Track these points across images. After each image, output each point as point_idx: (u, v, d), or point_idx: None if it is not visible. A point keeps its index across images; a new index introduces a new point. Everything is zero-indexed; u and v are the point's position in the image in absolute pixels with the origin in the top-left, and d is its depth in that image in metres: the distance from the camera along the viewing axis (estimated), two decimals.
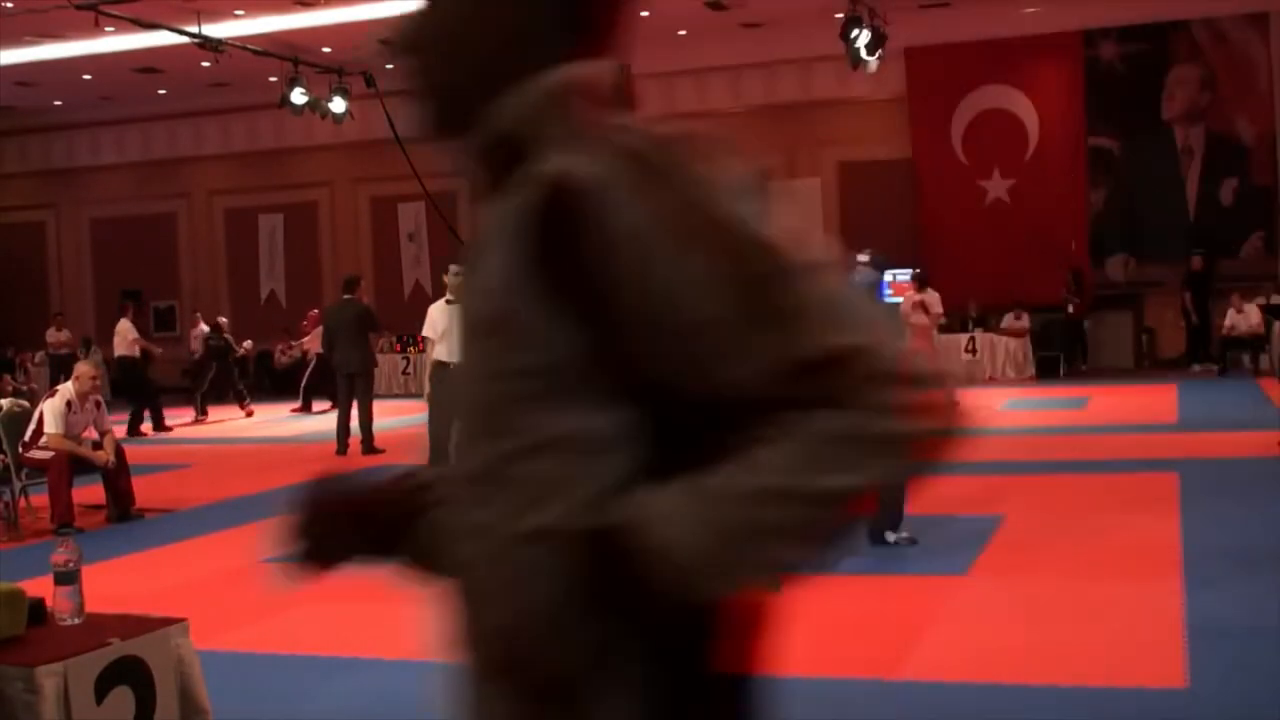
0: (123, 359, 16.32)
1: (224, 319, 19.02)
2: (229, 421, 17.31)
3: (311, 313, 19.00)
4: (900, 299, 17.12)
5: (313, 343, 18.40)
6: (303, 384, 18.39)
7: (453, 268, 10.22)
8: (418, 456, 11.23)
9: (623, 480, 1.23)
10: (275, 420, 17.34)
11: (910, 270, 19.15)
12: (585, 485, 1.24)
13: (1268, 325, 16.82)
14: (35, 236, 25.77)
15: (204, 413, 17.70)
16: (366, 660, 5.36)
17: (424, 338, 10.43)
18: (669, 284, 1.18)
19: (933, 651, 5.13)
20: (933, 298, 15.06)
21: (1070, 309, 18.60)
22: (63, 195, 25.50)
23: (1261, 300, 17.57)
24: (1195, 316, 18.22)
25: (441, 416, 9.74)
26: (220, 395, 18.12)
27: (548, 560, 1.25)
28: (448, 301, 10.19)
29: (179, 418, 18.32)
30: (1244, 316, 17.29)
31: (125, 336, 16.24)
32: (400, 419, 16.52)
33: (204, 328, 21.12)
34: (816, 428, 1.15)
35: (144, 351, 16.55)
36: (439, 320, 10.12)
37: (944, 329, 19.21)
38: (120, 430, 12.48)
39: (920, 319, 14.92)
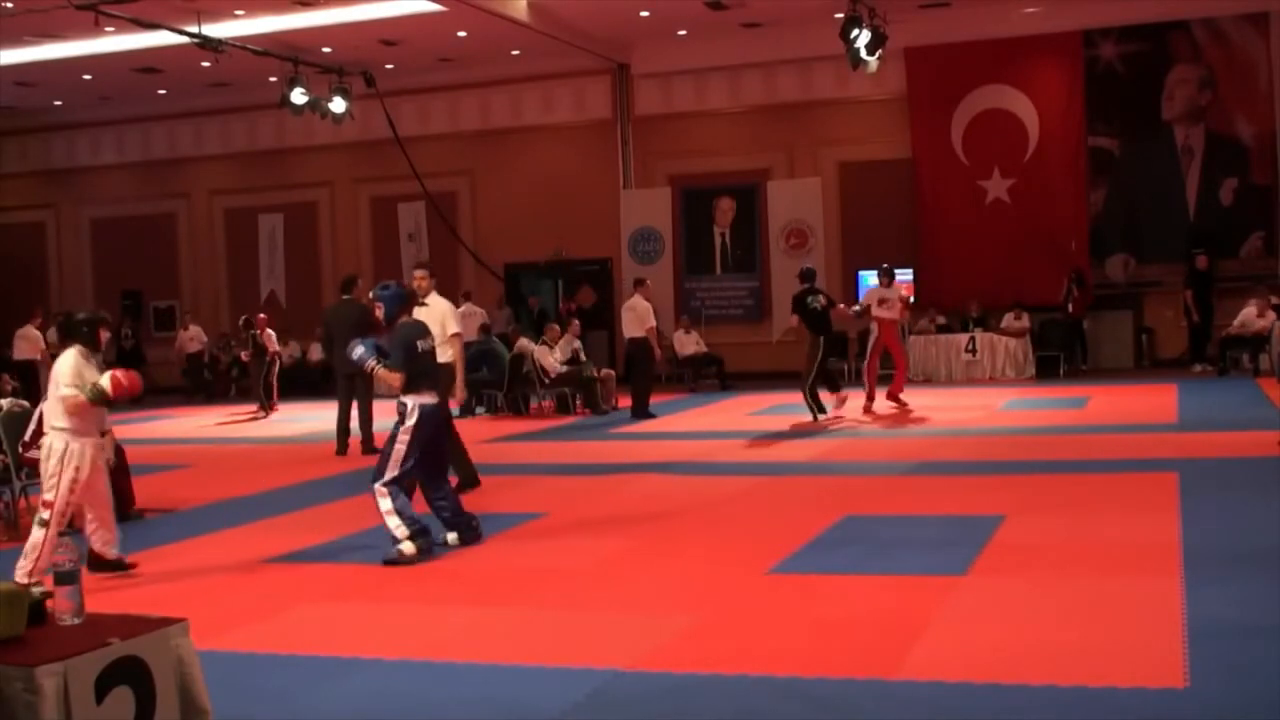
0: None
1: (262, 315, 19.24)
2: (228, 423, 17.30)
3: (260, 316, 19.07)
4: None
5: (269, 343, 18.41)
6: (272, 382, 18.37)
7: (418, 271, 10.15)
8: None
9: None
10: (275, 420, 17.33)
11: (910, 271, 19.23)
12: None
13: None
14: (35, 236, 25.78)
15: (270, 407, 17.87)
16: (366, 660, 5.36)
17: None
18: None
19: (933, 651, 5.13)
20: (892, 293, 15.18)
21: (1071, 307, 18.60)
22: (63, 195, 25.51)
23: (1257, 300, 17.50)
24: (1196, 315, 18.21)
25: None
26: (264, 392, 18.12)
27: None
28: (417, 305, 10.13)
29: (177, 418, 18.32)
30: (1262, 320, 17.06)
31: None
32: None
33: (195, 329, 21.90)
34: None
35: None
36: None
37: (943, 329, 19.28)
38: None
39: (883, 313, 15.10)
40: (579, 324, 17.72)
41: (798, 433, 13.21)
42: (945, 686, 4.67)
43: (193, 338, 22.15)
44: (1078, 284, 18.57)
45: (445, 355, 9.61)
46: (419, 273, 10.17)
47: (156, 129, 24.42)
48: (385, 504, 7.43)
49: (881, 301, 15.00)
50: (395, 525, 7.38)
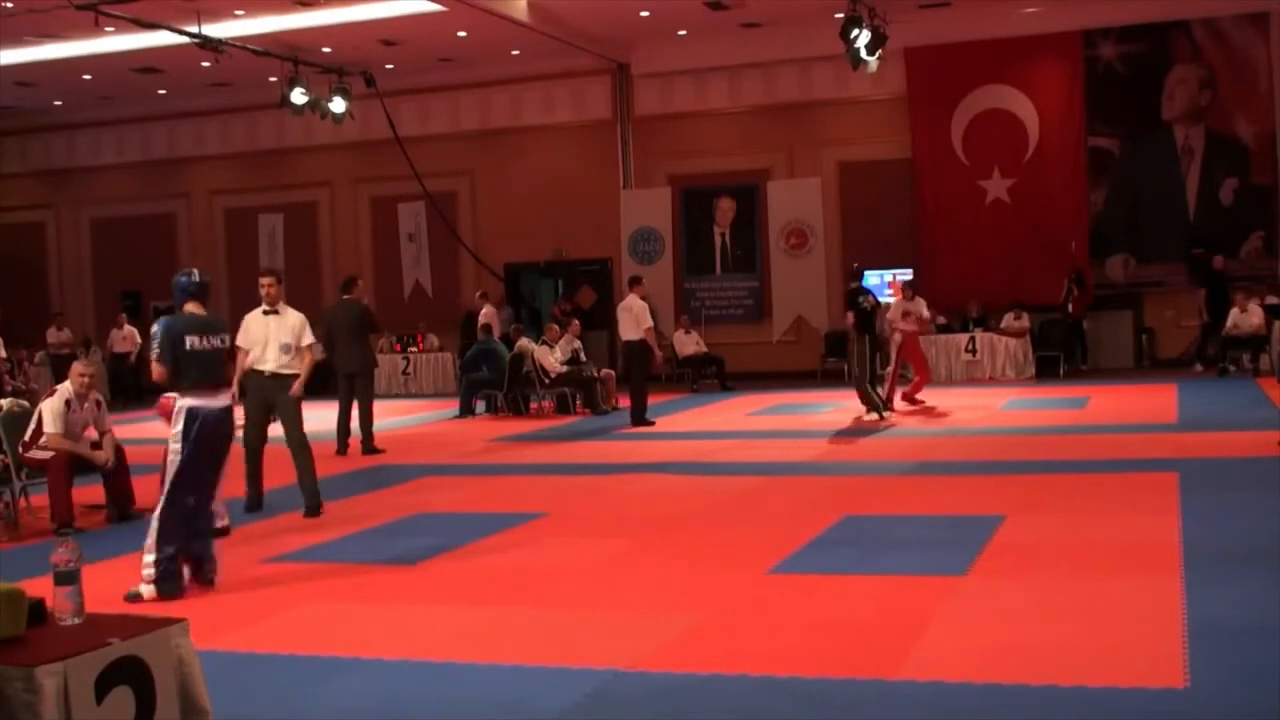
0: None
1: None
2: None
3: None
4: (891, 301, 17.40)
5: None
6: None
7: (265, 279, 9.66)
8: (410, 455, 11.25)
9: None
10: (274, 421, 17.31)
11: (910, 270, 19.25)
12: None
13: (1268, 325, 16.82)
14: (35, 236, 25.78)
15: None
16: (366, 660, 5.36)
17: (238, 347, 9.21)
18: None
19: (932, 651, 5.13)
20: (914, 307, 15.49)
21: (1070, 307, 18.60)
22: (63, 195, 25.52)
23: (1256, 300, 17.54)
24: (1207, 315, 18.16)
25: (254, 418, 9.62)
26: None
27: None
28: (265, 312, 9.65)
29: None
30: (1246, 316, 17.24)
31: None
32: (401, 419, 16.53)
33: (129, 329, 21.28)
34: None
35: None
36: (254, 330, 9.54)
37: (943, 329, 19.31)
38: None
39: (904, 326, 15.41)
40: (579, 324, 17.71)
41: (865, 430, 13.12)
42: (945, 686, 4.67)
43: (126, 336, 21.24)
44: (1077, 284, 18.57)
45: (294, 367, 9.38)
46: (266, 279, 9.62)
47: (156, 129, 24.43)
48: (151, 538, 6.70)
49: (905, 315, 15.30)
50: (149, 561, 6.66)
